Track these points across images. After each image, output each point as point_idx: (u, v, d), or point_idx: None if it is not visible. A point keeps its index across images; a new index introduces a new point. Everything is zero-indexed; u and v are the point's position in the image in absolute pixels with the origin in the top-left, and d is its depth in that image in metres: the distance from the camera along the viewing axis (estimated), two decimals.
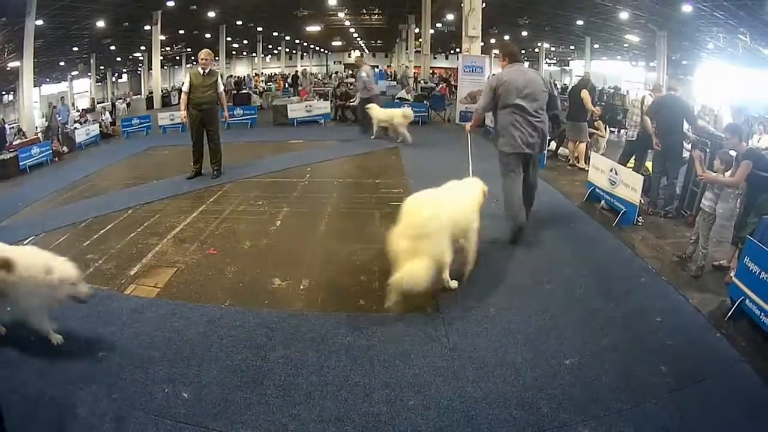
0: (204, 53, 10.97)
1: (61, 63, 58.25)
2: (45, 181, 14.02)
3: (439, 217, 5.03)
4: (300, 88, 30.74)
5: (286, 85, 39.02)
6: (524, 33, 48.52)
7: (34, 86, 27.99)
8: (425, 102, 21.09)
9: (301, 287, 5.65)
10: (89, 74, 64.46)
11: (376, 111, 15.30)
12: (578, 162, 12.04)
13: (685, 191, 8.64)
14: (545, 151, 10.84)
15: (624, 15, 31.88)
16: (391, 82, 37.43)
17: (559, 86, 36.39)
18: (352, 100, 19.95)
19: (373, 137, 15.22)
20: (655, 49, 33.49)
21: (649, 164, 9.83)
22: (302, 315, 5.15)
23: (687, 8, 25.13)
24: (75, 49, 50.21)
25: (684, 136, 9.09)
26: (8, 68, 43.96)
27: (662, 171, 9.06)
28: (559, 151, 13.33)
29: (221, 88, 10.78)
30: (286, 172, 11.48)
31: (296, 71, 48.19)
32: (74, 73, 69.50)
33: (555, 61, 60.81)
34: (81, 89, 70.01)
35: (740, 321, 5.04)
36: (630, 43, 40.58)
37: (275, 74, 47.03)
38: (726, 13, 23.56)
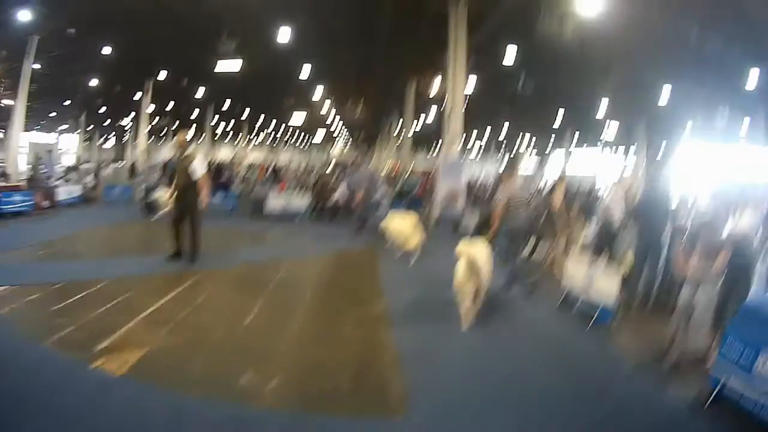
0: (179, 136, 11.27)
1: (52, 114, 58.25)
2: (23, 232, 14.02)
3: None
4: (281, 180, 30.91)
5: (267, 174, 39.33)
6: (503, 129, 50.86)
7: (24, 131, 27.73)
8: (402, 201, 21.33)
9: (271, 385, 5.58)
10: (78, 131, 64.41)
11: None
12: (553, 266, 12.01)
13: (664, 284, 8.96)
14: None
15: (602, 104, 32.85)
16: (371, 179, 37.75)
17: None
18: (333, 197, 19.98)
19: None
20: (633, 136, 34.79)
21: (628, 257, 9.98)
22: (271, 413, 5.11)
23: (665, 93, 26.24)
24: (67, 102, 50.12)
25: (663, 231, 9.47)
26: (2, 104, 43.99)
27: (642, 266, 9.39)
28: (533, 256, 13.06)
29: (198, 173, 10.59)
30: (262, 264, 11.56)
31: (276, 163, 48.65)
32: (63, 126, 69.51)
33: (535, 151, 61.80)
34: (68, 143, 69.68)
35: (721, 404, 5.33)
36: (607, 130, 41.55)
37: (256, 163, 47.34)
38: (706, 89, 24.45)
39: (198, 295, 8.69)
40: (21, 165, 26.75)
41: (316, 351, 6.61)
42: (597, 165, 47.19)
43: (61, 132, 71.44)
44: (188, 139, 11.18)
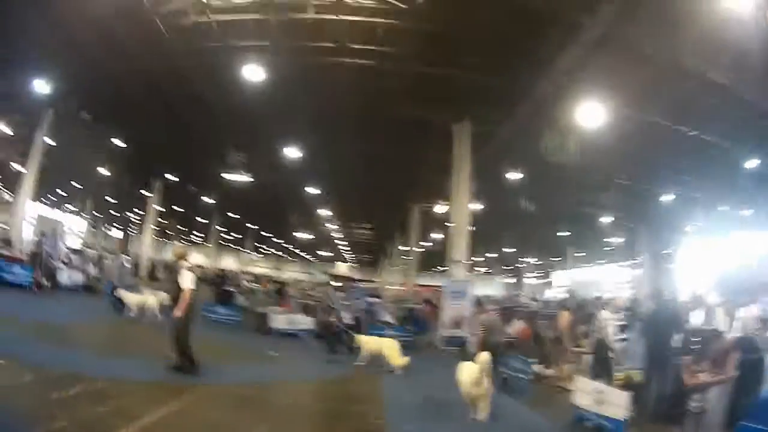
0: (176, 248, 11.69)
1: (61, 192, 59.07)
2: (20, 307, 14.02)
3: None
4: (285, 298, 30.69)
5: (270, 287, 39.26)
6: (509, 249, 51.76)
7: (32, 200, 28.02)
8: (407, 326, 21.05)
9: None
10: (85, 215, 65.15)
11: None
12: (564, 383, 12.27)
13: (675, 394, 8.79)
14: (528, 377, 12.07)
15: (605, 219, 33.84)
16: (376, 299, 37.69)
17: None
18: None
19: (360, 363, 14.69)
20: (636, 247, 35.42)
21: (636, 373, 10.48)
22: None
23: (667, 198, 26.84)
24: (75, 184, 50.82)
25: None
26: (11, 166, 44.66)
27: (651, 378, 9.68)
28: (545, 373, 13.44)
29: (183, 285, 10.58)
30: (266, 385, 11.35)
31: (282, 282, 48.77)
32: (70, 207, 70.36)
33: (541, 274, 64.09)
34: (74, 224, 70.23)
35: None
36: (612, 245, 42.79)
37: (261, 276, 47.38)
38: (705, 192, 25.35)
39: (197, 410, 8.49)
40: (25, 234, 26.77)
41: None
42: (601, 282, 47.10)
43: (69, 212, 72.31)
44: (184, 253, 11.36)
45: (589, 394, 9.09)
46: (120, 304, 16.82)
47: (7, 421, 6.37)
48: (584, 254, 51.43)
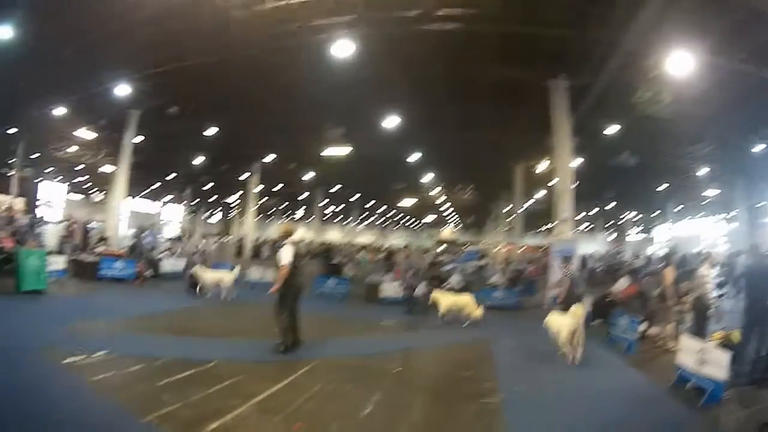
0: (282, 226, 11.90)
1: (155, 185, 61.34)
2: (124, 300, 14.76)
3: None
4: (396, 266, 30.83)
5: (378, 257, 39.61)
6: (611, 205, 51.22)
7: (126, 197, 29.32)
8: (516, 287, 20.90)
9: None
10: (183, 203, 67.50)
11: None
12: (667, 342, 12.32)
13: None
14: (634, 335, 12.16)
15: (702, 171, 32.84)
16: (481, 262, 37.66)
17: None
18: (446, 284, 19.79)
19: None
20: (733, 201, 34.48)
21: (735, 333, 10.32)
22: None
23: (763, 149, 25.12)
24: (171, 176, 52.48)
25: None
26: (99, 170, 46.76)
27: (750, 338, 9.43)
28: (648, 332, 13.28)
29: (281, 261, 10.75)
30: (377, 355, 11.34)
31: (390, 246, 49.00)
32: (167, 198, 73.04)
33: (641, 229, 63.88)
34: (171, 214, 72.97)
35: None
36: (708, 198, 41.86)
37: (368, 245, 47.82)
38: None
39: (313, 384, 8.54)
40: (122, 230, 28.00)
41: None
42: (701, 237, 48.94)
43: (165, 203, 75.03)
44: (286, 231, 11.44)
45: (691, 353, 9.01)
46: (194, 285, 17.10)
47: (121, 409, 6.61)
48: (682, 209, 50.40)
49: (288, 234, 11.23)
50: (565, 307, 13.08)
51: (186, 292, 16.90)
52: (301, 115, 25.53)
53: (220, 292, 16.86)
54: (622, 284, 16.98)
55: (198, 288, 16.98)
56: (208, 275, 16.76)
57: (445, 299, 16.14)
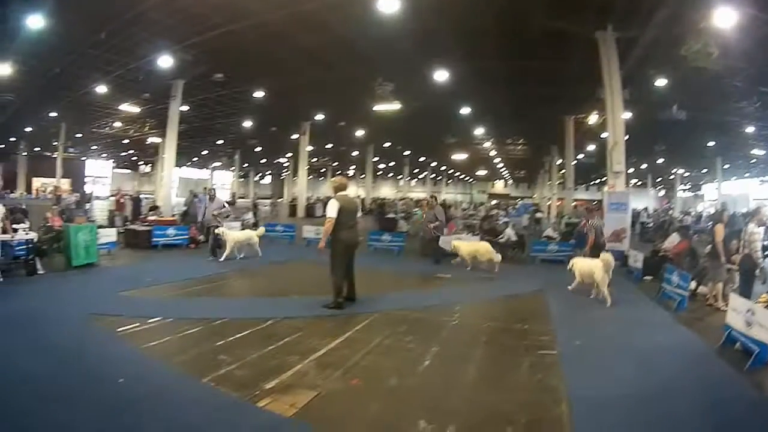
0: (334, 179, 11.71)
1: (204, 152, 62.35)
2: (178, 266, 15.02)
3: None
4: (449, 220, 30.76)
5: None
6: (660, 160, 50.79)
7: (174, 167, 29.83)
8: (571, 240, 20.67)
9: None
10: (232, 168, 68.57)
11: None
12: (716, 302, 12.23)
13: None
14: (686, 293, 12.01)
15: (750, 129, 32.92)
16: (537, 215, 37.57)
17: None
18: (500, 237, 20.27)
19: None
20: None
21: None
22: None
23: None
24: (219, 142, 53.25)
25: None
26: (147, 142, 47.78)
27: None
28: (698, 290, 13.26)
29: (327, 215, 10.74)
30: (434, 308, 11.32)
31: (444, 200, 48.95)
32: (216, 164, 74.14)
33: (689, 187, 65.48)
34: (222, 180, 74.10)
35: None
36: (757, 157, 42.62)
37: (422, 200, 47.92)
38: None
39: (371, 339, 8.60)
40: (173, 199, 28.49)
41: (490, 398, 6.36)
42: (750, 195, 49.37)
43: (215, 168, 76.12)
44: (339, 184, 11.22)
45: (739, 314, 8.82)
46: (219, 247, 16.87)
47: (177, 372, 6.73)
48: (730, 167, 50.73)
49: (341, 187, 11.08)
50: (589, 254, 14.64)
51: (209, 253, 16.80)
52: (350, 71, 25.57)
53: (248, 252, 16.98)
54: (673, 240, 17.14)
55: (219, 249, 16.82)
56: (234, 235, 16.68)
57: (465, 247, 17.25)
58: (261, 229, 17.97)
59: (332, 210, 10.49)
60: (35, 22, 18.17)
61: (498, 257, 16.63)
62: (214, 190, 17.92)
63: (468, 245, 17.51)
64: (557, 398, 6.33)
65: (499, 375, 7.29)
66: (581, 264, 13.39)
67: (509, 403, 6.20)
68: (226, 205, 17.99)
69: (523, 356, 8.06)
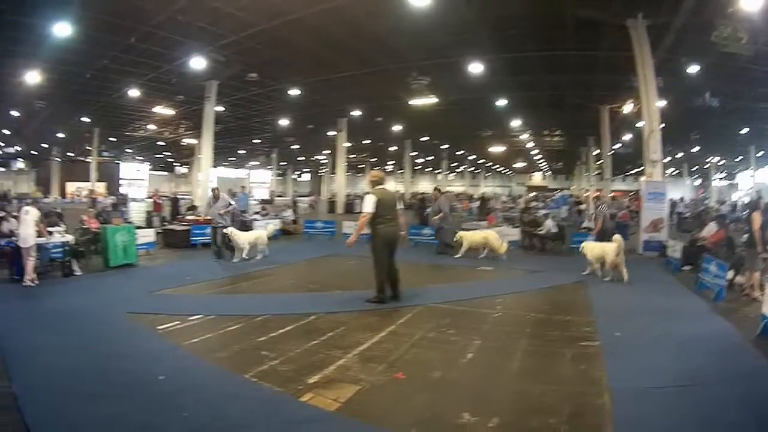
0: (371, 173, 11.85)
1: (241, 151, 62.91)
2: (215, 264, 14.99)
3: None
4: (489, 213, 30.70)
5: (471, 207, 39.53)
6: (695, 149, 51.12)
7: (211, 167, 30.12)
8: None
9: (490, 425, 5.35)
10: (270, 167, 69.09)
11: None
12: (753, 291, 11.95)
13: None
14: (724, 283, 11.83)
15: None
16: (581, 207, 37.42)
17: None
18: (540, 228, 20.26)
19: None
20: None
21: None
22: None
23: None
24: (256, 141, 53.64)
25: None
26: (183, 143, 48.38)
27: None
28: (735, 280, 12.95)
29: (363, 209, 10.77)
30: (476, 301, 11.32)
31: (483, 194, 48.76)
32: (254, 163, 74.79)
33: (724, 175, 65.18)
34: (259, 179, 74.69)
35: None
36: None
37: (460, 193, 47.80)
38: None
39: (414, 332, 8.60)
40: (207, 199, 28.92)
41: (533, 390, 6.34)
42: None
43: (253, 167, 76.79)
44: (376, 178, 11.22)
45: None
46: (229, 248, 16.62)
47: (219, 367, 6.81)
48: (764, 154, 50.00)
49: (379, 181, 11.06)
50: (598, 239, 15.66)
51: (214, 255, 16.55)
52: (384, 66, 25.68)
53: (257, 252, 16.68)
54: (710, 229, 17.02)
55: (227, 251, 16.62)
56: (243, 236, 16.43)
57: (469, 237, 17.94)
58: (270, 228, 17.77)
59: (368, 205, 10.47)
60: (63, 29, 18.57)
61: (505, 245, 17.39)
62: (218, 188, 17.54)
63: (474, 234, 18.20)
64: (599, 389, 6.33)
65: (542, 367, 7.25)
66: (592, 247, 14.33)
67: (552, 394, 6.19)
68: (232, 203, 17.91)
69: (566, 347, 8.05)
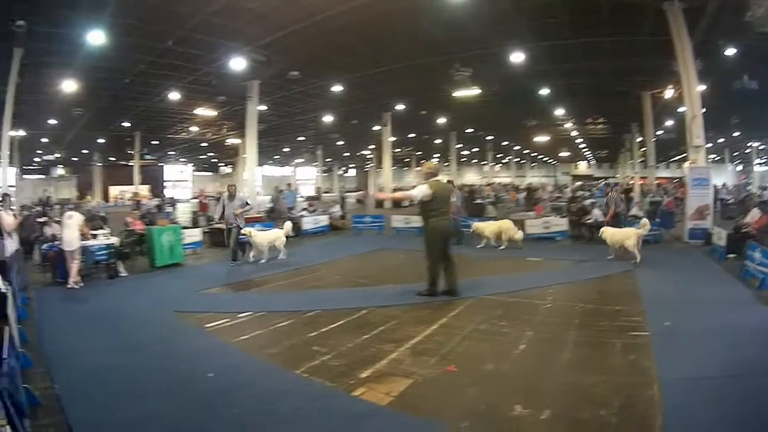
0: (425, 165, 11.65)
1: (285, 149, 63.35)
2: (264, 261, 14.96)
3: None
4: (537, 203, 30.51)
5: (518, 198, 39.35)
6: (736, 133, 50.24)
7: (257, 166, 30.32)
8: (656, 219, 20.24)
9: (542, 417, 5.33)
10: (315, 164, 69.63)
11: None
12: None
13: None
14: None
15: None
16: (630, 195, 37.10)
17: None
18: (588, 217, 19.90)
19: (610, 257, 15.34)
20: None
21: None
22: None
23: None
24: (300, 138, 53.97)
25: None
26: (227, 143, 48.87)
27: None
28: None
29: (413, 198, 10.81)
30: (526, 292, 11.27)
31: (529, 184, 48.47)
32: (299, 160, 75.36)
33: (765, 160, 65.00)
34: (304, 176, 75.23)
35: None
36: None
37: (507, 184, 47.56)
38: None
39: (466, 325, 8.58)
40: (257, 197, 29.09)
41: (585, 381, 6.30)
42: None
43: (298, 165, 77.38)
44: (430, 169, 11.08)
45: None
46: (243, 249, 16.56)
47: (270, 363, 6.88)
48: None
49: (434, 173, 10.93)
50: (612, 224, 16.59)
51: (230, 255, 16.05)
52: (426, 59, 25.64)
53: (276, 253, 16.21)
54: (754, 215, 16.64)
55: (245, 251, 16.50)
56: (263, 236, 16.17)
57: (488, 227, 18.31)
58: (288, 226, 17.46)
59: (417, 192, 10.42)
60: (96, 38, 18.78)
61: (521, 234, 17.91)
62: (234, 186, 17.11)
63: (490, 225, 18.49)
64: (649, 380, 6.26)
65: (593, 357, 7.20)
66: (612, 232, 15.19)
67: (603, 385, 6.15)
68: (249, 202, 17.81)
69: (616, 338, 7.97)
